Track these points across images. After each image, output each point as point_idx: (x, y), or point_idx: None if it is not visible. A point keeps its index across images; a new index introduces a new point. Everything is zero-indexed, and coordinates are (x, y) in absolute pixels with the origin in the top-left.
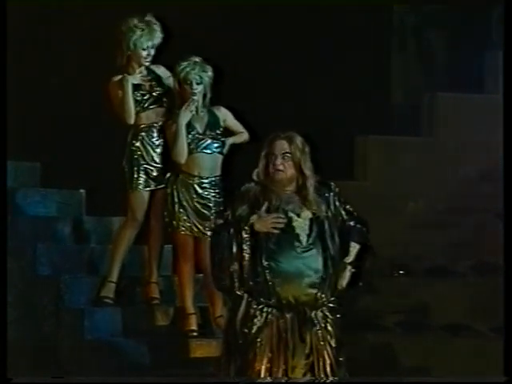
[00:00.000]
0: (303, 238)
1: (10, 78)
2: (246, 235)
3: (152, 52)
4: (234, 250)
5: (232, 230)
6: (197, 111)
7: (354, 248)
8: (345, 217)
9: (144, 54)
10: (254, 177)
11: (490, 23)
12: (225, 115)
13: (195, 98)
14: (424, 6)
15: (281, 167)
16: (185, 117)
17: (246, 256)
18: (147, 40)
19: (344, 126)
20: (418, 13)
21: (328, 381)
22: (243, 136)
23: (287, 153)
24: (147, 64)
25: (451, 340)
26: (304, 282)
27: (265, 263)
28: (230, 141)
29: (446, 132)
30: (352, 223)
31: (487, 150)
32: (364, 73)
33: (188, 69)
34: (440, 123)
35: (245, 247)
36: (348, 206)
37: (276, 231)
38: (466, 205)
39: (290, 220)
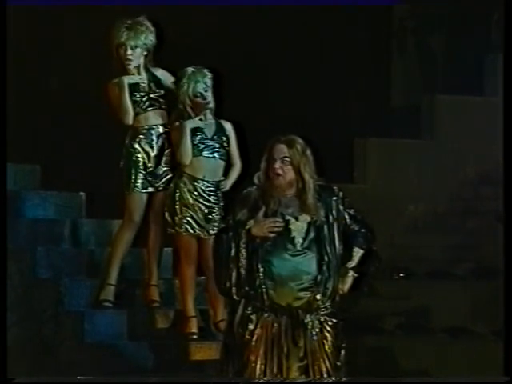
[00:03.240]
0: (298, 242)
1: (9, 80)
2: (243, 240)
3: (136, 52)
4: (232, 254)
5: (231, 234)
6: (206, 118)
7: (358, 253)
8: (348, 221)
9: (128, 53)
10: (256, 180)
11: (490, 25)
12: (230, 132)
13: (211, 106)
14: (424, 8)
15: (279, 171)
16: (193, 122)
17: (243, 261)
18: (129, 39)
19: (343, 128)
20: (418, 15)
21: (327, 381)
22: (236, 170)
23: (286, 157)
24: (131, 65)
25: (451, 343)
26: (296, 285)
27: (259, 267)
28: (228, 184)
29: (445, 134)
30: (356, 228)
31: (487, 153)
32: (363, 75)
33: (192, 83)
34: (440, 125)
35: (242, 252)
36: (352, 211)
37: (272, 235)
38: (465, 207)
39: (287, 223)
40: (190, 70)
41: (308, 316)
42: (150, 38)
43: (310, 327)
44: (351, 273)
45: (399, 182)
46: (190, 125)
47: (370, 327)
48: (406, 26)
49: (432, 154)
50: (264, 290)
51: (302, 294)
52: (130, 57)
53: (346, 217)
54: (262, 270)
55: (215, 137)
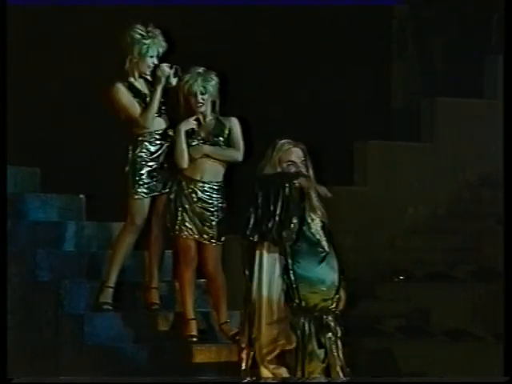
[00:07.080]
0: (324, 244)
1: (10, 83)
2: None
3: (156, 61)
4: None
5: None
6: (204, 119)
7: None
8: None
9: (149, 62)
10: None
11: (490, 27)
12: (233, 125)
13: (202, 109)
14: (424, 11)
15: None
16: (186, 125)
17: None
18: (154, 49)
19: (344, 131)
20: (418, 16)
21: (327, 381)
22: (234, 155)
23: (304, 160)
24: (149, 72)
25: (451, 345)
26: (324, 286)
27: (290, 268)
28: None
29: (445, 137)
30: None
31: (487, 156)
32: (364, 78)
33: (191, 81)
34: (440, 128)
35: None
36: None
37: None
38: (465, 210)
39: (308, 226)
40: (197, 69)
41: (327, 317)
42: (163, 46)
43: (330, 329)
44: None
45: (399, 185)
46: (184, 127)
47: (370, 329)
48: (406, 28)
49: (432, 157)
50: (295, 288)
51: (327, 295)
52: (146, 67)
53: None
54: (292, 272)
55: (211, 138)
